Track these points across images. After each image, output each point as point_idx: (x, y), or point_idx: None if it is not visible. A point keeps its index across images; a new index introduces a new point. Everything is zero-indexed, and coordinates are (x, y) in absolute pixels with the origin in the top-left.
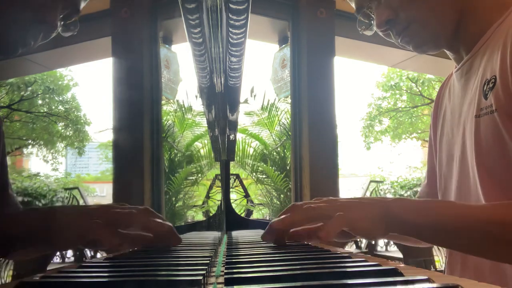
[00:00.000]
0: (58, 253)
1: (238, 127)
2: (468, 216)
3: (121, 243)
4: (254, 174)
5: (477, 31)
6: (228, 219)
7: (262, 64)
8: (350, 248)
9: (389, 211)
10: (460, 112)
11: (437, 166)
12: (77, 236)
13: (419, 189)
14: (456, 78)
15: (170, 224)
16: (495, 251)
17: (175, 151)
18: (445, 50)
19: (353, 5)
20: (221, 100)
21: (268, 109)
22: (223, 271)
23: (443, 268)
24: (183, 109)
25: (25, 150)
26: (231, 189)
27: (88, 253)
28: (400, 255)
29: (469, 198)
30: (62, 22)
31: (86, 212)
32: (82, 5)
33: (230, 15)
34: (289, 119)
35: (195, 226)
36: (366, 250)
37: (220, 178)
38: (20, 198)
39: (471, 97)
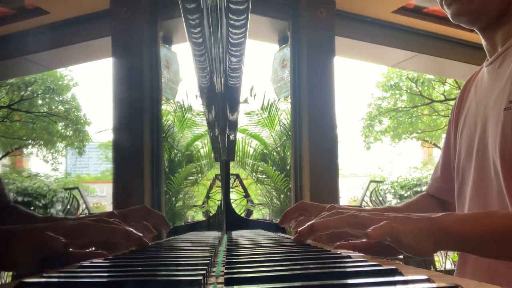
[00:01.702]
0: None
1: (238, 127)
2: None
3: (81, 252)
4: (254, 174)
5: None
6: (228, 219)
7: (262, 64)
8: None
9: (439, 225)
10: (486, 105)
11: (456, 159)
12: (30, 252)
13: (419, 189)
14: (487, 72)
15: (124, 228)
16: None
17: (175, 151)
18: (478, 33)
19: None
20: (221, 100)
21: (268, 109)
22: (223, 271)
23: (443, 268)
24: (183, 109)
25: (25, 150)
26: (231, 189)
27: None
28: (400, 255)
29: (488, 190)
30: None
31: (36, 229)
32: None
33: (230, 15)
34: (289, 119)
35: (195, 226)
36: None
37: (220, 178)
38: (20, 198)
39: (500, 89)
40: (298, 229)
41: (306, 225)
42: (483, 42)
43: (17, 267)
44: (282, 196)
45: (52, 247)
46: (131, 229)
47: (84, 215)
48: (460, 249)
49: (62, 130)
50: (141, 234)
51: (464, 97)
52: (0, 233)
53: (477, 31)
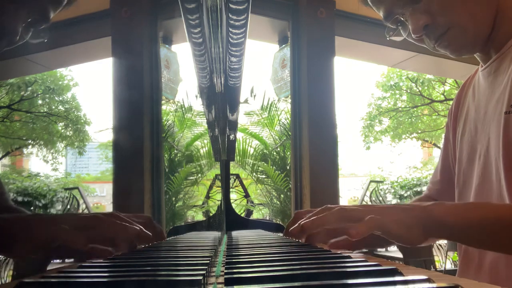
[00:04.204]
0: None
1: (238, 126)
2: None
3: (89, 247)
4: (254, 174)
5: (508, 30)
6: (228, 219)
7: (262, 64)
8: None
9: (430, 215)
10: (486, 109)
11: (456, 164)
12: (43, 240)
13: (419, 189)
14: (483, 76)
15: (136, 227)
16: None
17: (175, 151)
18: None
19: (381, 13)
20: (221, 100)
21: (268, 109)
22: (223, 271)
23: (443, 268)
24: (183, 109)
25: (25, 150)
26: (231, 189)
27: None
28: (400, 255)
29: (491, 194)
30: (31, 29)
31: (51, 218)
32: (52, 14)
33: (230, 15)
34: (289, 119)
35: (195, 226)
36: (366, 250)
37: (220, 178)
38: (20, 198)
39: (499, 94)
40: (290, 229)
41: (297, 224)
42: (479, 56)
43: (27, 255)
44: (282, 196)
45: (71, 243)
46: (141, 227)
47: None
48: (450, 238)
49: (62, 130)
50: (150, 234)
51: (461, 101)
52: (14, 219)
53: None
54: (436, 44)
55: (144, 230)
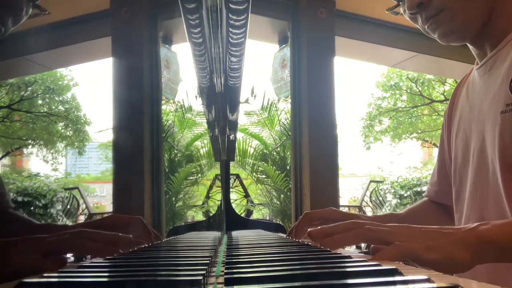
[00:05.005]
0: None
1: (238, 126)
2: None
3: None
4: (254, 174)
5: (504, 27)
6: (228, 219)
7: (262, 64)
8: (350, 248)
9: (480, 236)
10: (480, 108)
11: (452, 163)
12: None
13: (419, 189)
14: (478, 75)
15: (103, 247)
16: None
17: (175, 151)
18: (468, 45)
19: None
20: (221, 100)
21: (268, 109)
22: (223, 271)
23: None
24: (183, 109)
25: (25, 150)
26: (231, 189)
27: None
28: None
29: (486, 192)
30: (30, 4)
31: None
32: None
33: (230, 15)
34: (289, 119)
35: (195, 226)
36: (366, 250)
37: (220, 178)
38: (20, 198)
39: (494, 93)
40: (311, 233)
41: (319, 231)
42: (474, 51)
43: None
44: (282, 196)
45: (39, 271)
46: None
47: (85, 215)
48: (499, 260)
49: (62, 130)
50: (127, 239)
51: (455, 101)
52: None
53: (468, 44)
54: (427, 25)
55: (119, 239)
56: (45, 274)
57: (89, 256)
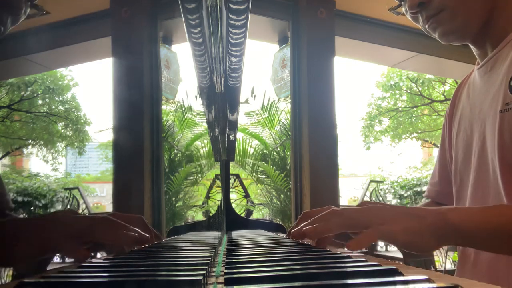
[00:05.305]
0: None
1: (238, 126)
2: None
3: (84, 255)
4: (254, 174)
5: (505, 27)
6: (228, 219)
7: (262, 64)
8: None
9: (445, 220)
10: (481, 107)
11: (453, 163)
12: (37, 248)
13: (419, 189)
14: (479, 75)
15: (133, 234)
16: None
17: (175, 151)
18: (469, 44)
19: None
20: (221, 100)
21: (268, 109)
22: (223, 271)
23: (443, 268)
24: (183, 109)
25: (25, 150)
26: (231, 189)
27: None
28: (400, 255)
29: (487, 192)
30: (28, 3)
31: (46, 223)
32: None
33: (230, 15)
34: (289, 119)
35: (195, 226)
36: (366, 250)
37: (220, 178)
38: (20, 198)
39: (494, 92)
40: (292, 231)
41: (299, 227)
42: (475, 51)
43: (22, 262)
44: (282, 196)
45: (65, 254)
46: (139, 231)
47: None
48: (464, 244)
49: (62, 130)
50: (148, 236)
51: (456, 101)
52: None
53: (469, 44)
54: (427, 25)
55: (142, 233)
56: (45, 274)
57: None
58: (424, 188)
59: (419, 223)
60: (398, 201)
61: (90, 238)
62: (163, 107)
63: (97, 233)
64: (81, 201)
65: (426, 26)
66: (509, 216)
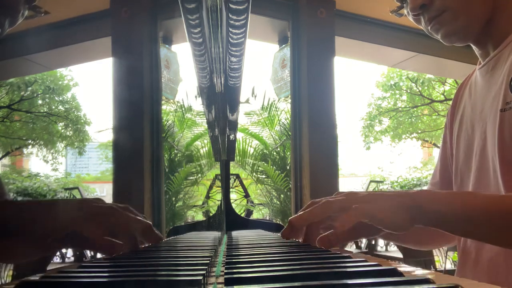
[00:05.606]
0: (57, 253)
1: (238, 126)
2: (494, 205)
3: (103, 238)
4: (254, 174)
5: (507, 27)
6: (228, 219)
7: (262, 64)
8: (350, 248)
9: (415, 201)
10: (482, 107)
11: (454, 163)
12: (59, 225)
13: (419, 189)
14: (480, 74)
15: (149, 222)
16: None
17: (175, 151)
18: (471, 45)
19: None
20: (221, 100)
21: (268, 109)
22: (223, 271)
23: (443, 268)
24: (183, 109)
25: (25, 150)
26: (231, 189)
27: (88, 253)
28: (400, 255)
29: (488, 191)
30: (26, 6)
31: (68, 204)
32: None
33: (230, 15)
34: (289, 119)
35: (195, 226)
36: (366, 250)
37: (220, 178)
38: (20, 198)
39: (495, 91)
40: (281, 231)
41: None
42: (477, 51)
43: (40, 239)
44: (282, 196)
45: (86, 231)
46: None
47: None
48: (434, 225)
49: (62, 130)
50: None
51: (458, 101)
52: (30, 203)
53: (471, 44)
54: (430, 26)
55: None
56: (45, 274)
57: (91, 253)
58: (424, 188)
59: (394, 202)
60: None
61: (122, 230)
62: (163, 107)
63: (116, 216)
64: None
65: (429, 28)
66: (479, 201)
